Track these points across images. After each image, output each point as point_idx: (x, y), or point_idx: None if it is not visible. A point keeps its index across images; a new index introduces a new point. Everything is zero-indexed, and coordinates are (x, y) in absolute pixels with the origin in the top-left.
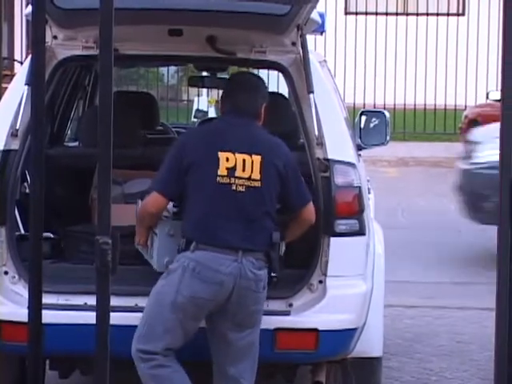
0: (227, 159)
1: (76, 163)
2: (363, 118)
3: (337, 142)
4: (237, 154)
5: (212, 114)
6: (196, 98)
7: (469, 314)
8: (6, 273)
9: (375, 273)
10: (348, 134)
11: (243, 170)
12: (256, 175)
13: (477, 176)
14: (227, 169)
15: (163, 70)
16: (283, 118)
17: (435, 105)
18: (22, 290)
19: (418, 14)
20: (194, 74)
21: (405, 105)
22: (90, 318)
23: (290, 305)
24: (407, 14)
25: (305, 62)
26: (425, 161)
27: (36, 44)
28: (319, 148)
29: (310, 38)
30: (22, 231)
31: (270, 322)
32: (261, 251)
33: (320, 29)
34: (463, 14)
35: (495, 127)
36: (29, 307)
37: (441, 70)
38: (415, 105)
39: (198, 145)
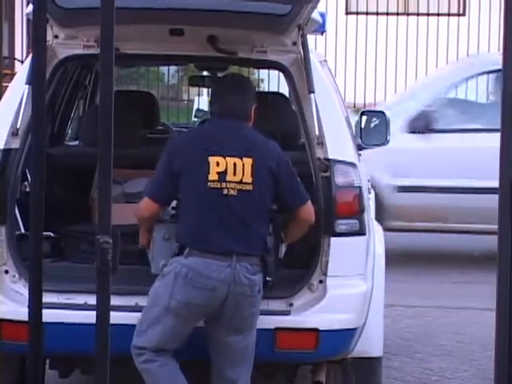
0: (218, 163)
1: (76, 162)
2: (364, 117)
3: (337, 142)
4: (227, 158)
5: None
6: (197, 98)
7: (469, 314)
8: (6, 272)
9: (375, 273)
10: (348, 133)
11: (234, 173)
12: (247, 178)
13: None
14: (218, 173)
15: (164, 69)
16: (284, 118)
17: None
18: (23, 289)
19: (418, 14)
20: (195, 73)
21: None
22: (90, 317)
23: (291, 304)
24: (408, 14)
25: (305, 61)
26: None
27: (37, 43)
28: (320, 148)
29: (310, 38)
30: (23, 230)
31: (270, 322)
32: (255, 256)
33: (321, 29)
34: (464, 14)
35: None
36: (29, 306)
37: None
38: None
39: (187, 149)
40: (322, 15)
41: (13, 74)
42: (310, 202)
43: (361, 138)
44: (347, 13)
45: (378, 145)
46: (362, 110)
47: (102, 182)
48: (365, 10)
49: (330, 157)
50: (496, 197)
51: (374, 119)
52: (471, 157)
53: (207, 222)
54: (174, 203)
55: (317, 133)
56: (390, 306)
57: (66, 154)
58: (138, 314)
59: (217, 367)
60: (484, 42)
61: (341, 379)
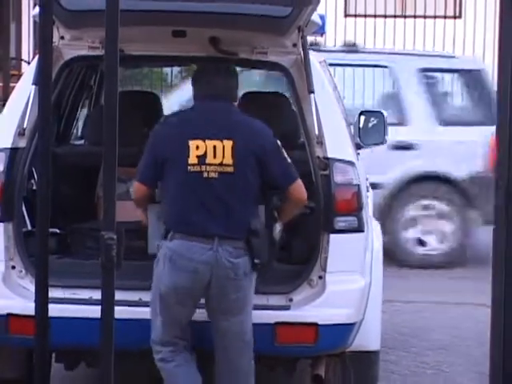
0: (197, 147)
1: (82, 161)
2: (362, 117)
3: (336, 141)
4: (207, 141)
5: None
6: None
7: (465, 309)
8: (13, 267)
9: (373, 269)
10: (347, 133)
11: (214, 156)
12: (228, 160)
13: None
14: (197, 157)
15: (167, 70)
16: (284, 118)
17: None
18: (29, 285)
19: (415, 17)
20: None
21: None
22: (95, 311)
23: (290, 300)
24: (405, 17)
25: (305, 62)
26: None
27: (43, 44)
28: (319, 147)
29: (310, 40)
30: (29, 227)
31: (270, 317)
32: (239, 239)
33: (320, 30)
34: (460, 17)
35: None
36: (35, 301)
37: None
38: None
39: (169, 135)
40: (322, 17)
41: (20, 75)
42: (299, 181)
43: (359, 137)
44: (346, 15)
45: (376, 144)
46: (361, 110)
47: (106, 180)
48: (363, 13)
49: (329, 156)
50: None
51: (372, 119)
52: None
53: (188, 205)
54: None
55: (316, 132)
56: (388, 301)
57: (72, 152)
58: (142, 309)
59: (215, 350)
60: (479, 44)
61: (340, 372)
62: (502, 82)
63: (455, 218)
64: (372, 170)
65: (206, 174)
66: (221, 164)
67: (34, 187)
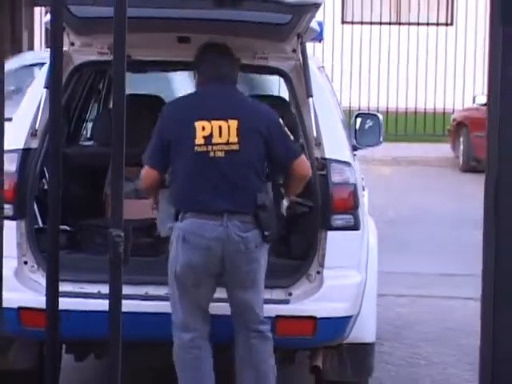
0: (203, 128)
1: (91, 161)
2: (358, 120)
3: (333, 143)
4: (213, 122)
5: None
6: None
7: (455, 303)
8: (25, 262)
9: (369, 264)
10: (344, 135)
11: (220, 135)
12: (233, 139)
13: None
14: (204, 137)
15: (172, 74)
16: (284, 120)
17: (425, 108)
18: (41, 279)
19: (409, 24)
20: None
21: (397, 108)
22: (103, 305)
23: (290, 294)
24: (400, 24)
25: (304, 67)
26: (416, 160)
27: (54, 50)
28: (317, 148)
29: (309, 46)
30: (41, 224)
31: (270, 310)
32: (247, 213)
33: (318, 37)
34: (451, 24)
35: None
36: (46, 295)
37: (431, 75)
38: (407, 108)
39: (175, 118)
40: (320, 24)
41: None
42: (303, 156)
43: (355, 138)
44: (343, 22)
45: (372, 145)
46: (357, 112)
47: (114, 180)
48: (359, 20)
49: (327, 156)
50: None
51: (368, 121)
52: None
53: (196, 184)
54: None
55: (314, 134)
56: (382, 295)
57: (81, 153)
58: (149, 303)
59: (232, 317)
60: (470, 50)
61: (337, 363)
62: (492, 85)
63: None
64: None
65: (212, 154)
66: (227, 143)
67: (46, 186)
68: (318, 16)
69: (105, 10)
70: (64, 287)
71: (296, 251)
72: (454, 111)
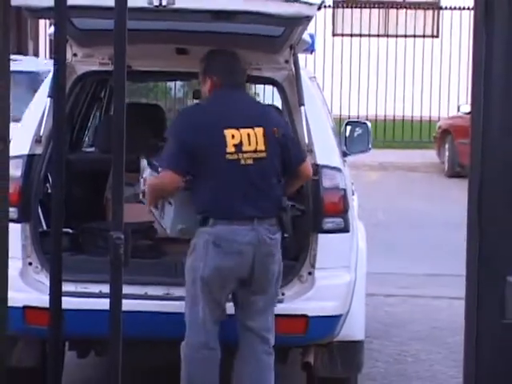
0: (233, 136)
1: (93, 167)
2: (348, 127)
3: (325, 149)
4: (241, 130)
5: None
6: None
7: (442, 302)
8: (30, 264)
9: (358, 265)
10: (334, 141)
11: (249, 143)
12: (261, 146)
13: None
14: (234, 145)
15: (171, 84)
16: None
17: (412, 116)
18: (44, 279)
19: (397, 36)
20: (198, 87)
21: (385, 116)
22: (104, 304)
23: (283, 294)
24: (388, 36)
25: (297, 77)
26: (402, 166)
27: (58, 60)
28: (309, 154)
29: (301, 57)
30: (45, 227)
31: None
32: (273, 217)
33: (310, 48)
34: (437, 36)
35: None
36: (50, 294)
37: (417, 85)
38: (394, 116)
39: (199, 125)
40: (312, 36)
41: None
42: (308, 158)
43: (345, 145)
44: (334, 34)
45: (361, 152)
46: (347, 120)
47: (115, 184)
48: (349, 32)
49: (318, 162)
50: None
51: (358, 129)
52: None
53: (228, 191)
54: None
55: (306, 141)
56: (371, 295)
57: (84, 159)
58: (148, 302)
59: (241, 320)
60: (455, 61)
61: (327, 360)
62: (475, 95)
63: None
64: None
65: (243, 161)
66: (255, 151)
67: (49, 191)
68: (310, 28)
69: (106, 22)
70: (67, 287)
71: (288, 253)
72: (439, 119)
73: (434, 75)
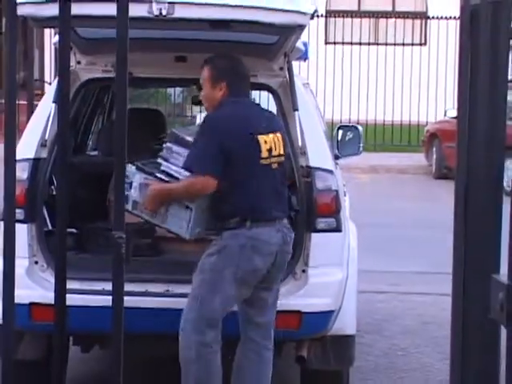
0: (265, 141)
1: (95, 169)
2: (340, 131)
3: (317, 152)
4: (270, 135)
5: None
6: (198, 115)
7: (429, 298)
8: (36, 262)
9: (350, 263)
10: (327, 145)
11: (275, 148)
12: (282, 150)
13: None
14: (267, 150)
15: (170, 90)
16: None
17: (401, 121)
18: (50, 277)
19: (386, 44)
20: (197, 93)
21: (375, 120)
22: (107, 301)
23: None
24: (378, 44)
25: (291, 84)
26: (392, 168)
27: (62, 68)
28: (303, 157)
29: (295, 64)
30: (50, 227)
31: None
32: (287, 217)
33: (304, 56)
34: (425, 44)
35: None
36: (55, 291)
37: (406, 91)
38: (384, 121)
39: (233, 130)
40: (305, 44)
41: (42, 94)
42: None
43: (338, 148)
44: (326, 43)
45: (353, 155)
46: (339, 124)
47: (117, 186)
48: (341, 40)
49: (312, 165)
50: None
51: (349, 133)
52: None
53: (263, 195)
54: None
55: (300, 144)
56: (363, 291)
57: (87, 162)
58: (148, 299)
59: (249, 315)
60: (442, 68)
61: (320, 354)
62: (461, 100)
63: None
64: None
65: (272, 166)
66: (279, 155)
67: (54, 192)
68: (303, 37)
69: (108, 31)
70: (71, 285)
71: None
72: (427, 123)
73: (421, 81)
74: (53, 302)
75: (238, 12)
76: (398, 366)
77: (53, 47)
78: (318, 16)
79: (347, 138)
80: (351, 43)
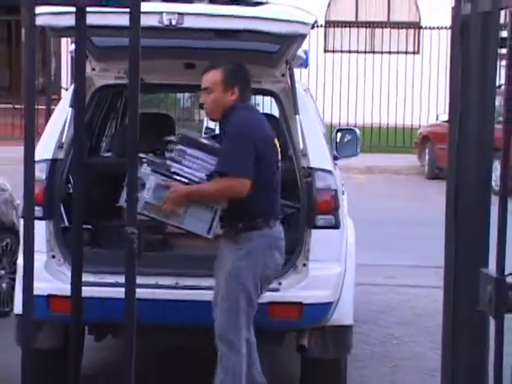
0: (279, 145)
1: (110, 170)
2: (339, 134)
3: (317, 154)
4: (278, 140)
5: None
6: (206, 118)
7: (423, 290)
8: (53, 257)
9: (348, 258)
10: (326, 147)
11: (281, 152)
12: (280, 155)
13: None
14: (280, 153)
15: (179, 95)
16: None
17: (396, 124)
18: (66, 271)
19: (382, 52)
20: None
21: (372, 124)
22: (120, 293)
23: (280, 283)
24: (374, 52)
25: (292, 89)
26: (387, 169)
27: (78, 74)
28: (303, 158)
29: (296, 71)
30: (67, 224)
31: (264, 297)
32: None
33: (304, 63)
34: (418, 53)
35: None
36: (71, 284)
37: (400, 96)
38: (380, 124)
39: (264, 133)
40: (306, 52)
41: (59, 99)
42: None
43: (336, 150)
44: (325, 51)
45: (350, 156)
46: (338, 127)
47: (130, 185)
48: (339, 49)
49: (312, 165)
50: None
51: (347, 135)
52: None
53: (276, 195)
54: None
55: (301, 146)
56: (360, 284)
57: (102, 163)
58: (158, 291)
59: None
60: (434, 75)
61: (320, 343)
62: (453, 105)
63: None
64: None
65: (280, 168)
66: (281, 159)
67: (71, 191)
68: (304, 45)
69: (121, 40)
70: (86, 278)
71: (285, 246)
72: (420, 127)
73: (415, 87)
74: (69, 294)
75: (244, 22)
76: (393, 355)
77: (69, 55)
78: (317, 26)
79: (345, 140)
80: (349, 51)
